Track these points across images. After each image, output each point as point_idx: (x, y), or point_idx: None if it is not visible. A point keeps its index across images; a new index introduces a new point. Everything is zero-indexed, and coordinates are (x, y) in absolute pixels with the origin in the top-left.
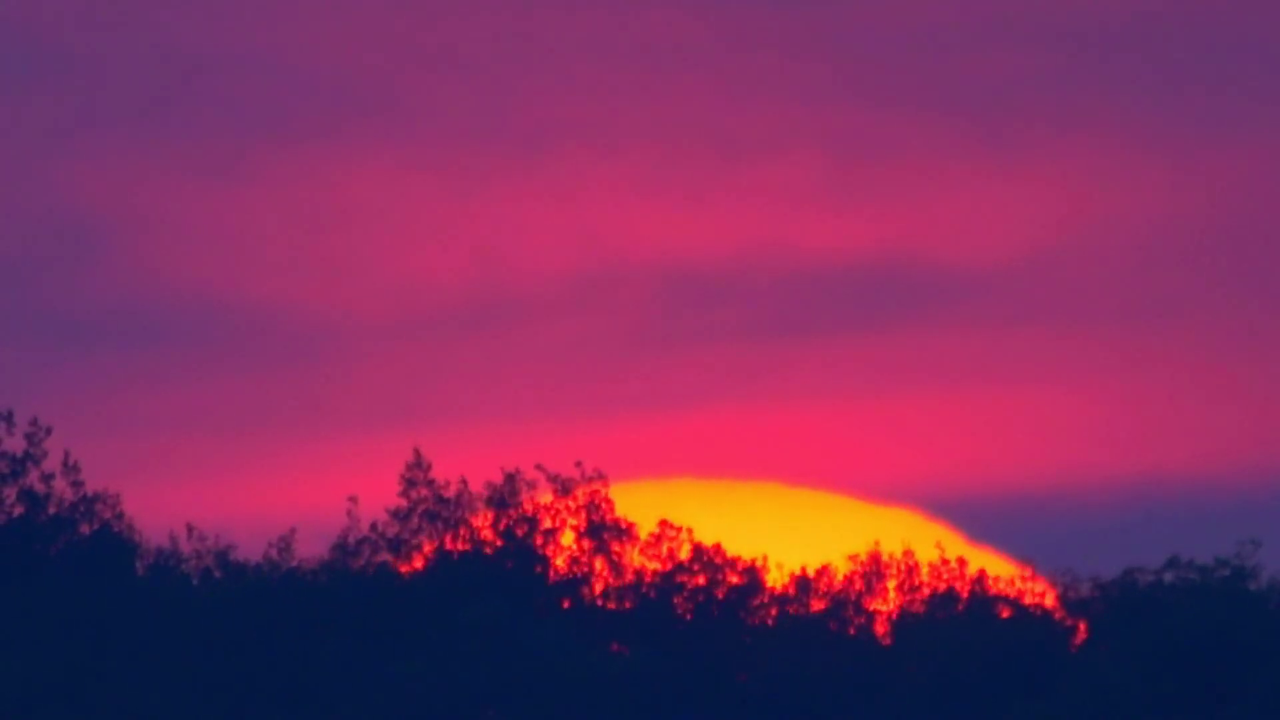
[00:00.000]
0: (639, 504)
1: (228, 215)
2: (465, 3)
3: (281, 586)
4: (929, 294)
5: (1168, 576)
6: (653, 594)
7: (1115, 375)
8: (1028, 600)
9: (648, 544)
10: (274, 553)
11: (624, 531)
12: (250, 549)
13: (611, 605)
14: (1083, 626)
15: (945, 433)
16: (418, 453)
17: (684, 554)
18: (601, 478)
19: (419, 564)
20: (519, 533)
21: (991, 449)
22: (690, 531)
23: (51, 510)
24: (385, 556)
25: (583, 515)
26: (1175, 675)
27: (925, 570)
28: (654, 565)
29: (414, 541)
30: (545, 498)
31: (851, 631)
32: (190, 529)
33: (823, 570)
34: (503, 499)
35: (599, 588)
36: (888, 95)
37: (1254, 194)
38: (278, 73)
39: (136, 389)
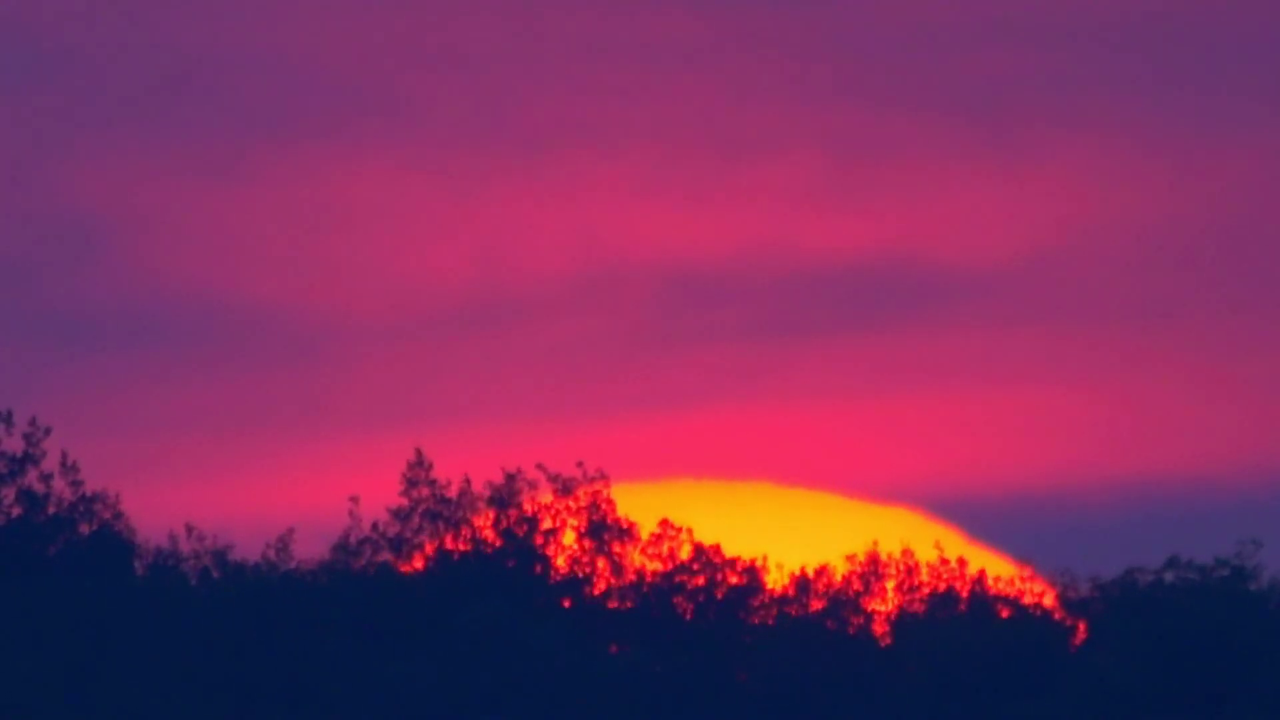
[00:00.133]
0: (639, 504)
1: (228, 215)
2: (465, 3)
3: (281, 586)
4: (929, 294)
5: (1168, 576)
6: (653, 594)
7: (1115, 375)
8: (1027, 600)
9: (648, 544)
10: (273, 553)
11: (625, 532)
12: (250, 549)
13: (612, 605)
14: (1083, 626)
15: (945, 433)
16: (419, 452)
17: (684, 554)
18: (603, 478)
19: (419, 564)
20: (519, 533)
21: (991, 449)
22: (690, 532)
23: (50, 510)
24: (386, 556)
25: (584, 515)
26: (1175, 675)
27: (925, 570)
28: (654, 565)
29: (415, 541)
30: (546, 498)
31: (851, 631)
32: (189, 529)
33: (822, 570)
34: (503, 499)
35: (600, 588)
36: (888, 95)
37: (1254, 194)
38: (278, 73)
39: (136, 389)
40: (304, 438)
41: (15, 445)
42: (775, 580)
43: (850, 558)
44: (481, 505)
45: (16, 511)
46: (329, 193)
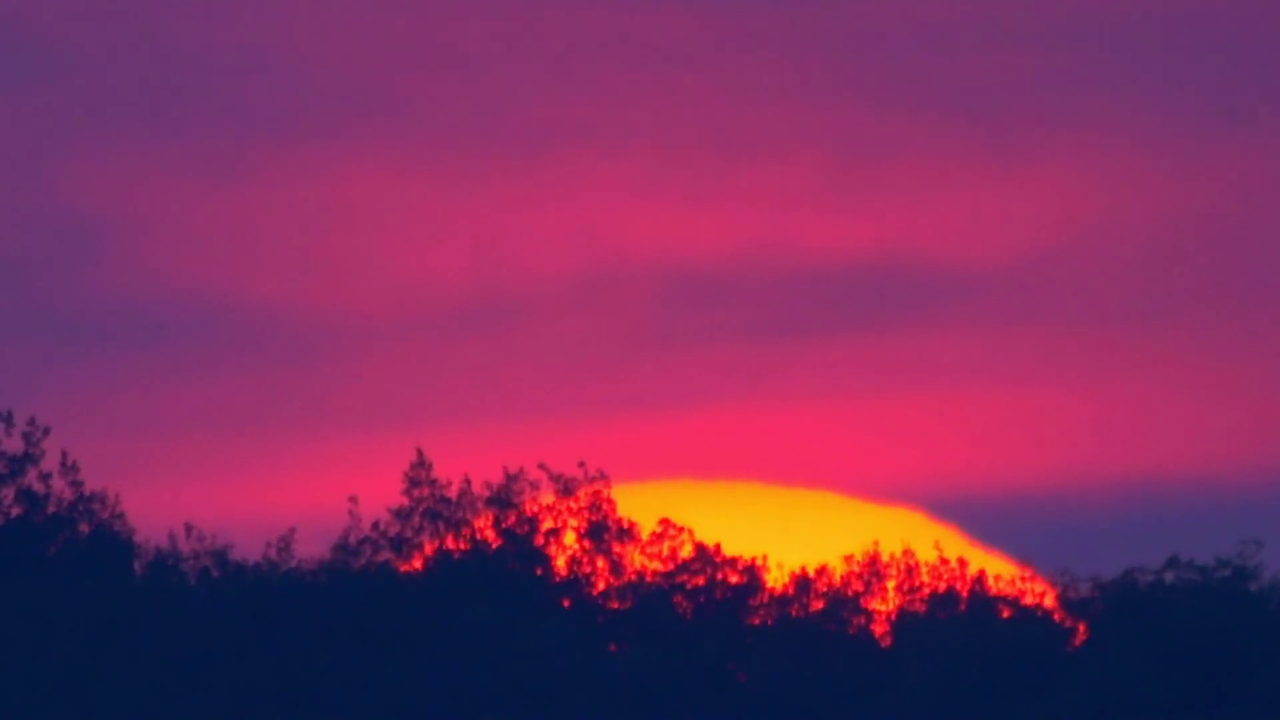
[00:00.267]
0: (639, 504)
1: (228, 215)
2: (465, 3)
3: (281, 586)
4: (929, 294)
5: (1168, 576)
6: (653, 594)
7: (1115, 375)
8: (1028, 601)
9: (648, 544)
10: (273, 553)
11: (626, 532)
12: (250, 549)
13: (612, 605)
14: (1083, 627)
15: (945, 433)
16: (420, 452)
17: (684, 554)
18: (604, 478)
19: (419, 564)
20: (520, 533)
21: (991, 449)
22: (690, 532)
23: (50, 510)
24: (386, 556)
25: (584, 516)
26: (1175, 675)
27: (925, 570)
28: (655, 565)
29: (415, 541)
30: (547, 498)
31: (851, 631)
32: (189, 529)
33: (822, 570)
34: (504, 499)
35: (599, 588)
36: (888, 95)
37: (1254, 194)
38: (278, 73)
39: (136, 389)
40: (304, 438)
41: (15, 445)
42: (775, 580)
43: (848, 559)
44: (481, 505)
45: (16, 511)
46: (329, 193)
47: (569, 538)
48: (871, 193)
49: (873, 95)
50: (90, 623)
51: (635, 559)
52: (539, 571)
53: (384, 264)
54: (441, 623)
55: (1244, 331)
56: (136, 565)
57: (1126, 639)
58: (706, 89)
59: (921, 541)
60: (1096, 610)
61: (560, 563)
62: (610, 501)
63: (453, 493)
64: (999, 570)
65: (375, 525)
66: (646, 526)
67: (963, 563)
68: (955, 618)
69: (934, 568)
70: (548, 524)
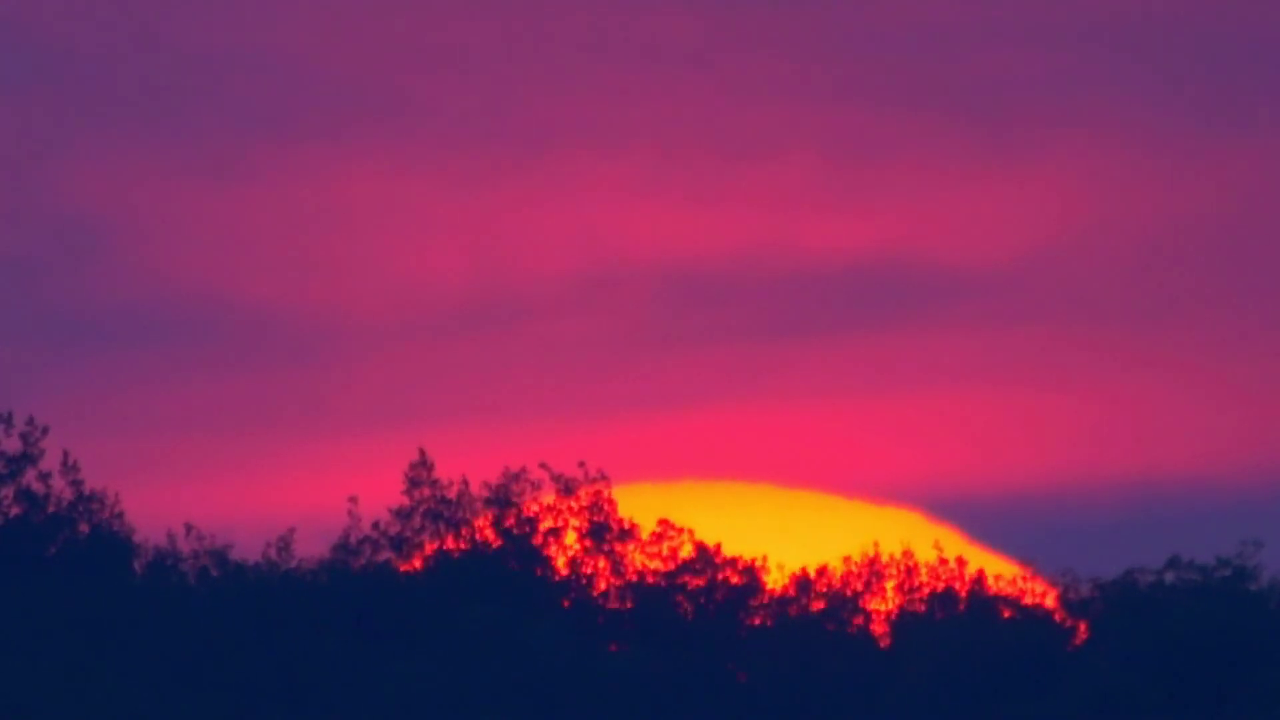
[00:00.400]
0: (640, 504)
1: (228, 215)
2: (466, 3)
3: (281, 586)
4: (929, 294)
5: (1168, 576)
6: (653, 594)
7: (1115, 375)
8: (1028, 601)
9: (648, 544)
10: (273, 553)
11: (626, 532)
12: (250, 549)
13: (612, 605)
14: (1083, 627)
15: (945, 433)
16: (423, 452)
17: (685, 554)
18: (604, 478)
19: (419, 564)
20: (520, 533)
21: (992, 449)
22: (691, 532)
23: (50, 510)
24: (387, 555)
25: (585, 516)
26: (1175, 675)
27: (925, 570)
28: (655, 565)
29: (416, 540)
30: (548, 498)
31: (851, 631)
32: (189, 528)
33: (822, 570)
34: (504, 499)
35: (600, 588)
36: (888, 95)
37: (1254, 194)
38: (278, 73)
39: (136, 389)
40: (304, 438)
41: (14, 445)
42: (775, 580)
43: (848, 559)
44: (481, 505)
45: (15, 511)
46: (329, 193)
47: (570, 538)
48: (871, 193)
49: (873, 95)
50: (90, 623)
51: (636, 559)
52: (539, 571)
53: (384, 264)
54: (441, 623)
55: (1244, 331)
56: (136, 565)
57: (1126, 639)
58: (706, 89)
59: (921, 541)
60: (1097, 610)
61: (561, 563)
62: (611, 502)
63: (453, 493)
64: (999, 570)
65: (376, 525)
66: (647, 527)
67: (962, 563)
68: (955, 618)
69: (933, 568)
70: (548, 524)
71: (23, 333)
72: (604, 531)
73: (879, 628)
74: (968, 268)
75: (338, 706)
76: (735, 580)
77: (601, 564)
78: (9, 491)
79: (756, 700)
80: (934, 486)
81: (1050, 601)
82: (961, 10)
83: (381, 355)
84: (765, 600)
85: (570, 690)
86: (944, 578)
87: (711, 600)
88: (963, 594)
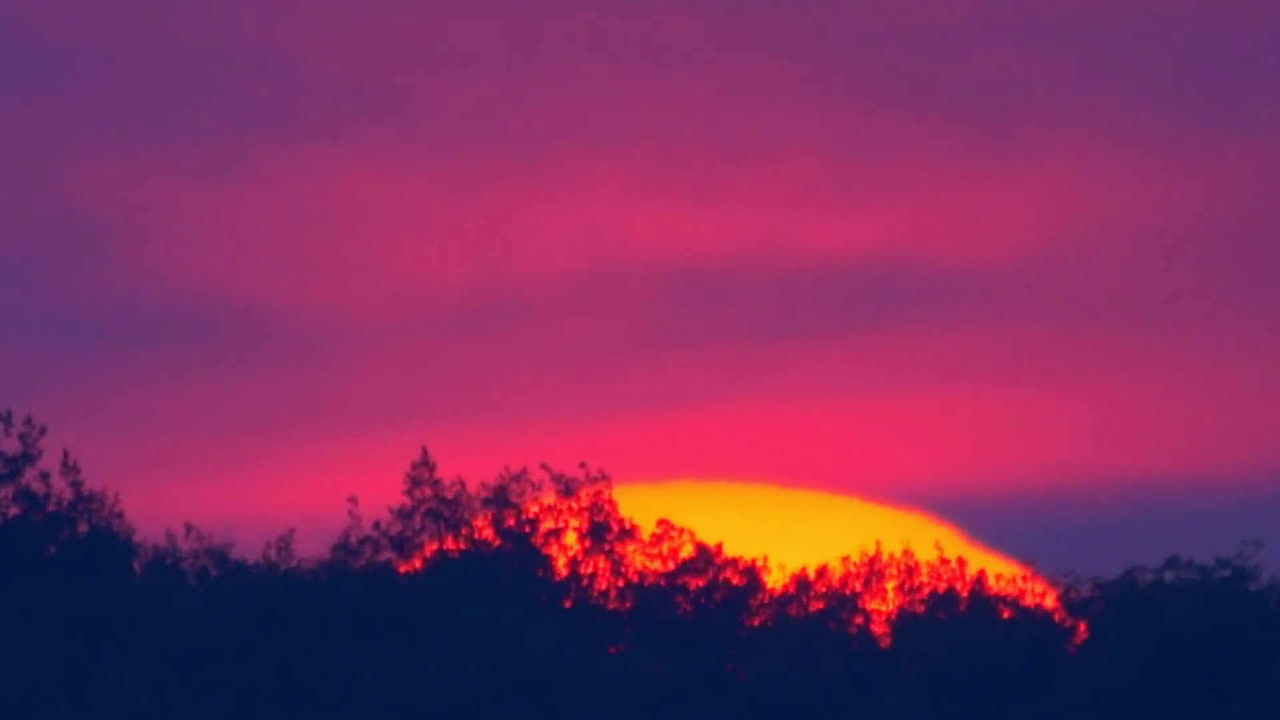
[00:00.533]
0: (640, 505)
1: (228, 215)
2: (466, 3)
3: (281, 586)
4: (929, 294)
5: (1168, 576)
6: (653, 595)
7: (1115, 375)
8: (1028, 601)
9: (649, 544)
10: (273, 553)
11: (627, 533)
12: (250, 549)
13: (612, 605)
14: (1083, 627)
15: (946, 433)
16: (425, 451)
17: (685, 554)
18: (605, 479)
19: (419, 564)
20: (520, 533)
21: (992, 449)
22: (691, 533)
23: (49, 509)
24: (387, 555)
25: (586, 516)
26: (1175, 675)
27: (925, 570)
28: (655, 565)
29: (417, 540)
30: (549, 499)
31: (851, 631)
32: (188, 528)
33: (822, 570)
34: (504, 499)
35: (600, 588)
36: (888, 95)
37: (1254, 194)
38: (278, 73)
39: (136, 389)
40: (304, 438)
41: (13, 445)
42: (775, 580)
43: (848, 559)
44: (481, 505)
45: (15, 511)
46: (329, 193)
47: (570, 538)
48: (871, 193)
49: (873, 95)
50: (90, 622)
51: (636, 560)
52: (539, 572)
53: (384, 264)
54: (441, 623)
55: (1244, 331)
56: (136, 565)
57: (1126, 639)
58: (706, 89)
59: (921, 541)
60: (1097, 610)
61: (561, 563)
62: (611, 502)
63: (454, 493)
64: (999, 570)
65: (377, 525)
66: (647, 527)
67: (962, 563)
68: (955, 618)
69: (934, 568)
70: (549, 525)
71: (23, 333)
72: (604, 532)
73: (879, 628)
74: (968, 268)
75: (338, 706)
76: (735, 580)
77: (601, 564)
78: (8, 491)
79: (756, 700)
80: (934, 486)
81: (1050, 601)
82: (961, 10)
83: (381, 355)
84: (765, 600)
85: (570, 690)
86: (944, 578)
87: (711, 600)
88: (963, 594)
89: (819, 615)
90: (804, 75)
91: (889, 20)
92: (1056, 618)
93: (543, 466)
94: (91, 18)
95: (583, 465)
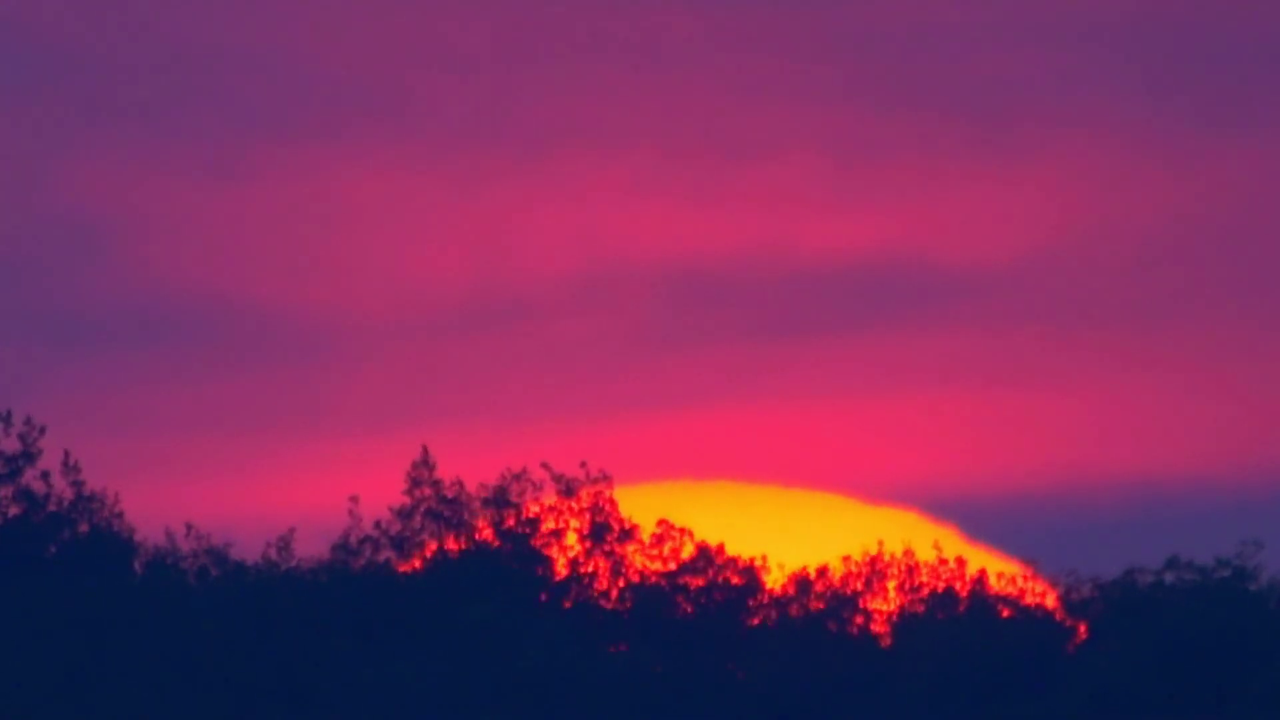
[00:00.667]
0: (640, 505)
1: (228, 215)
2: (467, 3)
3: (281, 586)
4: (929, 294)
5: (1168, 576)
6: (653, 594)
7: (1115, 375)
8: (1028, 600)
9: (649, 545)
10: (273, 553)
11: (628, 533)
12: (250, 549)
13: (612, 605)
14: (1083, 627)
15: (945, 433)
16: (425, 450)
17: (685, 554)
18: (606, 479)
19: (419, 564)
20: (520, 533)
21: (991, 449)
22: (691, 533)
23: (50, 509)
24: (387, 555)
25: (586, 517)
26: (1175, 675)
27: (925, 570)
28: (656, 566)
29: (417, 540)
30: (549, 499)
31: (851, 631)
32: (188, 528)
33: (822, 570)
34: (505, 499)
35: (600, 588)
36: (888, 95)
37: (1254, 194)
38: (279, 72)
39: (136, 389)
40: (304, 438)
41: (13, 445)
42: (775, 580)
43: (848, 559)
44: (481, 505)
45: (15, 511)
46: (330, 193)
47: (570, 538)
48: (871, 193)
49: (873, 95)
50: (90, 622)
51: (636, 560)
52: (539, 572)
53: (384, 264)
54: (441, 623)
55: (1244, 331)
56: (136, 565)
57: (1126, 639)
58: (706, 89)
59: (921, 541)
60: (1097, 610)
61: (561, 563)
62: (612, 502)
63: (455, 493)
64: (999, 570)
65: (378, 524)
66: (647, 527)
67: (962, 563)
68: (955, 618)
69: (934, 568)
70: (550, 525)
71: (23, 333)
72: (605, 532)
73: (879, 628)
74: (968, 268)
75: (338, 706)
76: (735, 580)
77: (602, 565)
78: (8, 491)
79: (756, 700)
80: (934, 486)
81: (1050, 601)
82: (961, 10)
83: (382, 355)
84: (765, 600)
85: (570, 690)
86: (944, 578)
87: (711, 600)
88: (963, 594)
89: (819, 615)
90: (804, 75)
91: (889, 20)
92: (1057, 617)
93: (543, 466)
94: (91, 18)
95: (583, 465)
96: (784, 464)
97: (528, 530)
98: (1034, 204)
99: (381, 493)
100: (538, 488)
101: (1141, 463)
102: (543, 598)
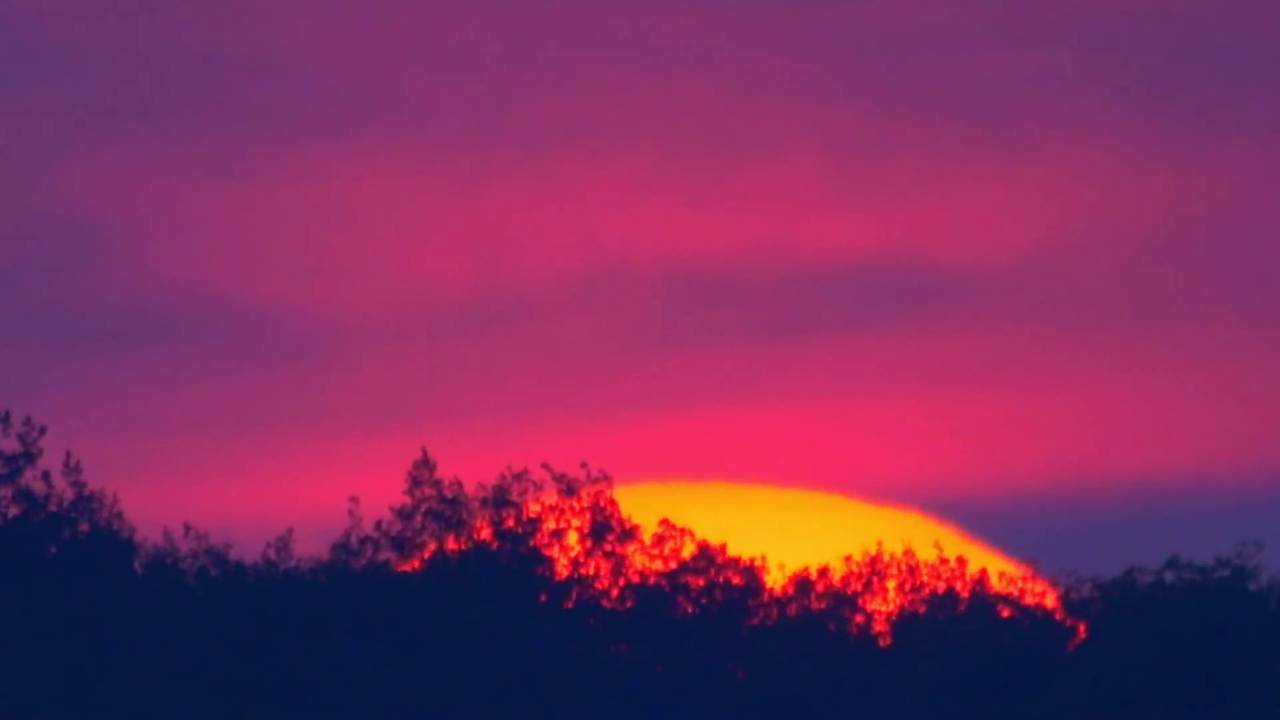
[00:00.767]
0: (640, 505)
1: (228, 215)
2: (466, 3)
3: (281, 586)
4: (929, 294)
5: (1168, 576)
6: (653, 594)
7: (1115, 375)
8: (1028, 600)
9: (650, 545)
10: (273, 553)
11: (628, 533)
12: (249, 549)
13: (612, 605)
14: (1083, 627)
15: (945, 433)
16: (425, 451)
17: (686, 554)
18: (606, 479)
19: (419, 564)
20: (521, 533)
21: (992, 449)
22: (691, 534)
23: (50, 509)
24: (387, 555)
25: (587, 517)
26: (1175, 675)
27: (925, 570)
28: (656, 566)
29: (417, 540)
30: (550, 499)
31: (851, 631)
32: (188, 528)
33: (822, 570)
34: (505, 499)
35: (601, 588)
36: (888, 95)
37: (1254, 194)
38: (278, 73)
39: (136, 389)
40: (304, 438)
41: (12, 445)
42: (775, 580)
43: (848, 559)
44: (481, 506)
45: (15, 511)
46: (329, 193)
47: (571, 538)
48: (872, 193)
49: (873, 95)
50: (90, 622)
51: (637, 560)
52: (540, 572)
53: (384, 264)
54: (441, 623)
55: (1244, 331)
56: (136, 565)
57: (1126, 639)
58: (707, 89)
59: (921, 541)
60: (1097, 610)
61: (562, 563)
62: (613, 502)
63: (455, 493)
64: (1000, 570)
65: (378, 525)
66: (648, 527)
67: (962, 562)
68: (955, 618)
69: (934, 568)
70: (550, 525)
71: (23, 333)
72: (605, 532)
73: (880, 628)
74: (968, 268)
75: (338, 706)
76: (736, 580)
77: (603, 565)
78: (8, 491)
79: (756, 700)
80: (934, 486)
81: (1050, 601)
82: (961, 10)
83: (382, 355)
84: (765, 600)
85: (570, 690)
86: (945, 578)
87: (712, 600)
88: (964, 594)
89: (819, 615)
90: (804, 75)
91: (889, 20)
92: (1057, 617)
93: (544, 466)
94: (91, 18)
95: (584, 465)
96: (784, 464)
97: (528, 530)
98: (1034, 204)
99: (381, 493)
100: (538, 488)
101: (1141, 463)
102: (543, 598)
